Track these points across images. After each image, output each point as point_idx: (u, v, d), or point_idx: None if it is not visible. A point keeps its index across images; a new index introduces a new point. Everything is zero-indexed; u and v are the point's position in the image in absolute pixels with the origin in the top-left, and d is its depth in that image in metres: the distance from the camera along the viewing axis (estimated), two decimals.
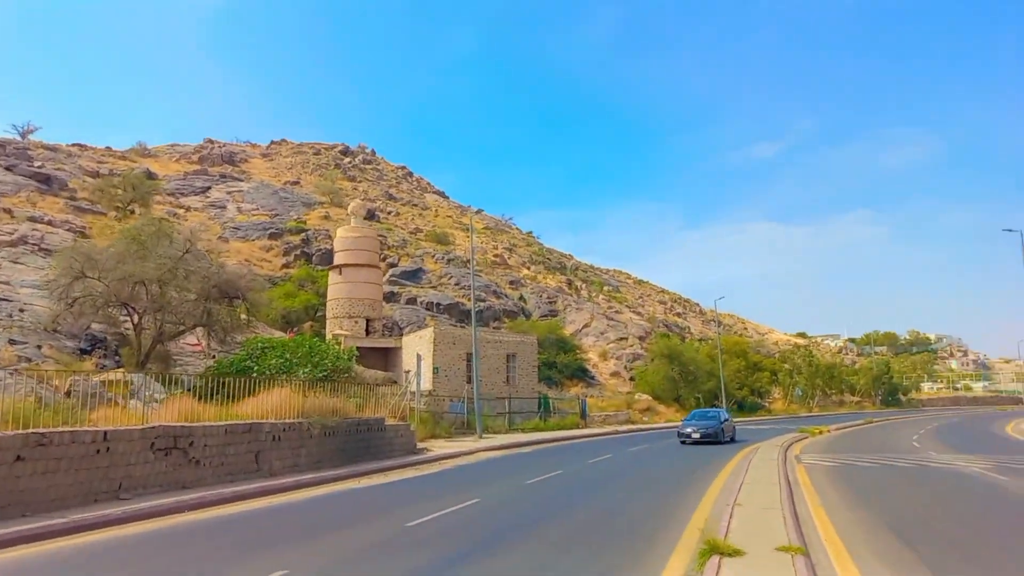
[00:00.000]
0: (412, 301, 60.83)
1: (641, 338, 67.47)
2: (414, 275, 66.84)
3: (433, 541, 9.77)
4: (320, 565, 8.54)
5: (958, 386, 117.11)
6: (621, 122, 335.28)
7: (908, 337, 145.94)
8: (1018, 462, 20.55)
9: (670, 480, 16.92)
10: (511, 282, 73.07)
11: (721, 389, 56.98)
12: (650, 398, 53.16)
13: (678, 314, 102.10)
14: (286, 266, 61.57)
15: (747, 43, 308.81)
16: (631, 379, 59.25)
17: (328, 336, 42.04)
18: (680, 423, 32.26)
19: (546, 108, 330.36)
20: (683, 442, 28.74)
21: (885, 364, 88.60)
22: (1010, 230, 44.30)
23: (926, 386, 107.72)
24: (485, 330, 45.82)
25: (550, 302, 71.29)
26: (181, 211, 68.26)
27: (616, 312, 77.62)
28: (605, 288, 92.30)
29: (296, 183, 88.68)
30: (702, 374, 57.47)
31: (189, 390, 19.16)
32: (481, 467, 20.66)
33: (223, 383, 17.78)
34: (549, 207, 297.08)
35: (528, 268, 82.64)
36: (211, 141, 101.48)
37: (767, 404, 68.20)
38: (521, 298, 70.15)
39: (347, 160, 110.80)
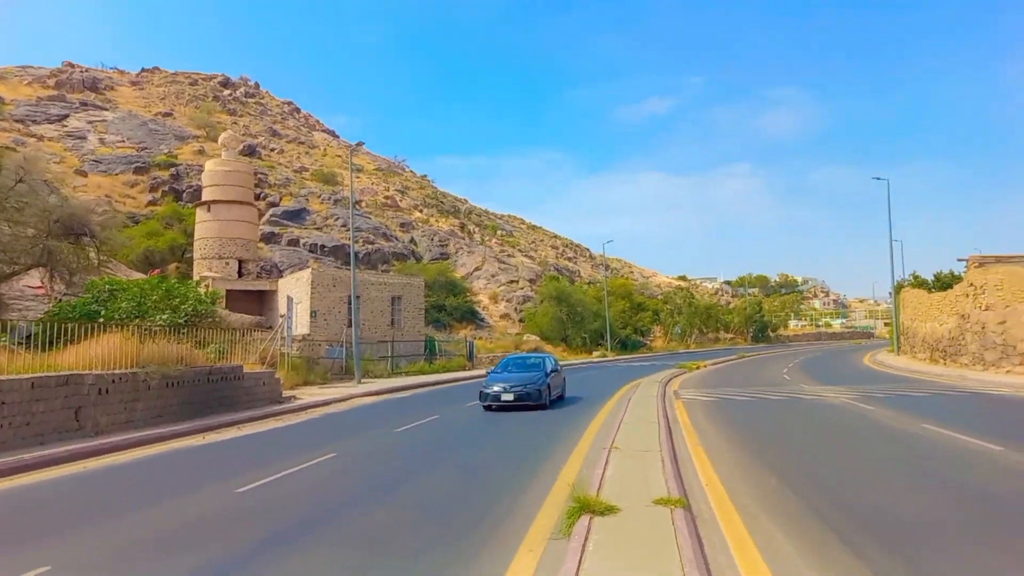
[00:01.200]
0: (294, 242, 57.10)
1: (532, 281, 66.96)
2: (297, 215, 62.72)
3: (255, 517, 7.96)
4: (96, 558, 6.60)
5: (820, 323, 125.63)
6: (520, 74, 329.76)
7: (778, 279, 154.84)
8: (878, 391, 21.04)
9: (549, 420, 15.86)
10: (402, 224, 70.32)
11: (607, 328, 57.50)
12: (538, 339, 52.81)
13: (569, 258, 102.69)
14: (152, 203, 56.03)
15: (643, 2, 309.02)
16: (520, 321, 58.74)
17: (195, 278, 38.37)
18: (485, 375, 20.47)
19: (447, 57, 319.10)
20: (488, 407, 18.12)
21: (757, 303, 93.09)
22: (879, 178, 46.33)
23: (793, 324, 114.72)
24: (370, 272, 43.49)
25: (441, 245, 69.26)
26: (31, 140, 60.44)
27: (508, 256, 76.68)
28: (499, 232, 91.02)
29: (168, 115, 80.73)
30: (589, 315, 57.71)
31: (27, 338, 16.13)
32: (352, 415, 18.91)
33: (65, 330, 15.12)
34: (448, 153, 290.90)
35: (420, 211, 79.87)
36: (71, 65, 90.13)
37: (648, 342, 69.92)
38: (412, 241, 67.68)
39: (227, 92, 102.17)
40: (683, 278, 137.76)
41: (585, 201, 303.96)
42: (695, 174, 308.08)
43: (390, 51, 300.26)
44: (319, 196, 68.23)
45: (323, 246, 57.79)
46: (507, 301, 62.20)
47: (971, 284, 26.12)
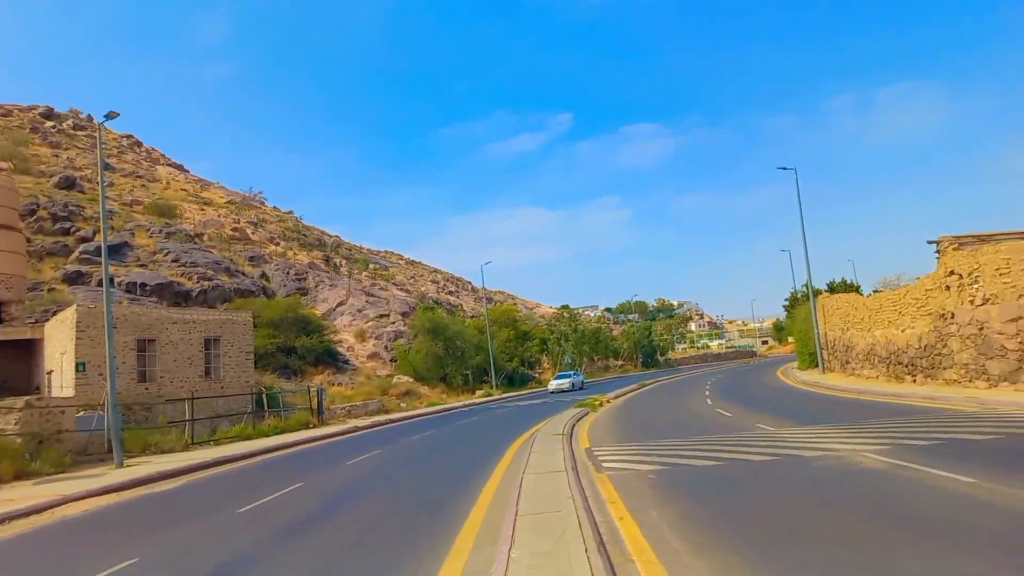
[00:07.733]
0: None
1: (405, 314, 57.35)
2: (116, 251, 50.17)
3: None
4: None
5: (699, 344, 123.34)
6: (386, 113, 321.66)
7: (656, 304, 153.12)
8: (900, 434, 13.46)
9: (377, 559, 6.75)
10: (251, 258, 58.83)
11: (490, 362, 48.91)
12: (411, 380, 43.31)
13: (451, 292, 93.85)
14: None
15: (504, 44, 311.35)
16: (392, 360, 48.97)
17: None
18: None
19: (309, 98, 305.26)
20: None
21: (646, 328, 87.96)
22: (784, 168, 39.27)
23: (678, 347, 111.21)
24: (173, 308, 32.64)
25: (299, 278, 58.37)
26: None
27: (380, 289, 66.74)
28: (371, 266, 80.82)
29: None
30: (470, 348, 48.93)
31: None
32: None
33: None
34: (316, 194, 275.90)
35: (276, 244, 68.49)
36: None
37: (537, 375, 61.95)
38: (263, 276, 56.41)
39: (50, 124, 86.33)
40: (565, 307, 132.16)
41: (464, 237, 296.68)
42: (569, 207, 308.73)
43: (243, 90, 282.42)
44: (148, 230, 55.74)
45: (144, 284, 45.83)
46: (376, 338, 52.21)
47: (951, 272, 19.13)
